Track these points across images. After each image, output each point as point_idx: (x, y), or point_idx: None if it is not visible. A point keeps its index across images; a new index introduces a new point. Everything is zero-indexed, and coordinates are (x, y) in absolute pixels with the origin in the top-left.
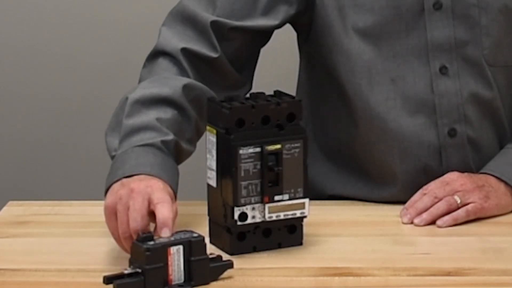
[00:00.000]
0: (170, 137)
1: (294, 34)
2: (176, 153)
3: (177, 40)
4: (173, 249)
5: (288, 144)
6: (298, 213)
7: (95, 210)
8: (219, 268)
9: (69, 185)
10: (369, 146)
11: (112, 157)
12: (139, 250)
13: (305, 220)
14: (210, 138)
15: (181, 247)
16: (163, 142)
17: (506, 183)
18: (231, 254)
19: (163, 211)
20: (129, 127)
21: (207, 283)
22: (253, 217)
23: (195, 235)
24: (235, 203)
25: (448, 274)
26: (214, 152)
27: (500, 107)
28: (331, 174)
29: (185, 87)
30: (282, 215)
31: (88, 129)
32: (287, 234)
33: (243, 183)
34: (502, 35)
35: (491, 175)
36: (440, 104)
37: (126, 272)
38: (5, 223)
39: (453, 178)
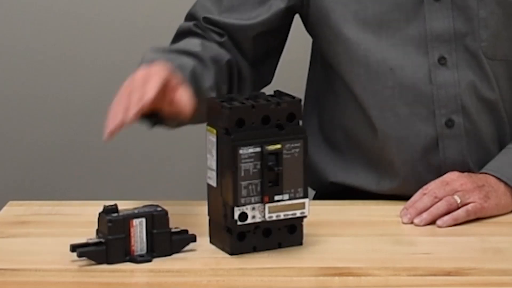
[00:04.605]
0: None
1: (296, 33)
2: (195, 84)
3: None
4: (135, 221)
5: (288, 144)
6: (298, 213)
7: (95, 210)
8: (181, 241)
9: (69, 185)
10: (370, 135)
11: None
12: (103, 221)
13: (305, 220)
14: (210, 138)
15: (143, 219)
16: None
17: (506, 183)
18: (231, 254)
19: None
20: (161, 48)
21: (169, 254)
22: (253, 217)
23: (158, 209)
24: (235, 203)
25: (448, 274)
26: (214, 152)
27: (499, 100)
28: (335, 162)
29: (204, 44)
30: (282, 215)
31: (89, 129)
32: (287, 234)
33: (243, 183)
34: (501, 28)
35: (492, 175)
36: (438, 94)
37: (90, 241)
38: (5, 223)
39: (453, 178)
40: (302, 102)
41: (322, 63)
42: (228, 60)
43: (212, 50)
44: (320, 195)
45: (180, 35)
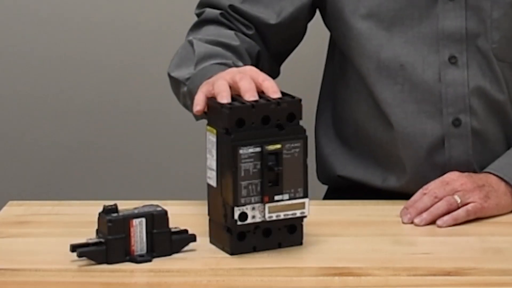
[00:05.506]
0: (240, 64)
1: (311, 29)
2: None
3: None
4: (135, 221)
5: (288, 144)
6: (298, 213)
7: (95, 210)
8: (181, 241)
9: (69, 185)
10: (379, 130)
11: (187, 79)
12: (103, 221)
13: (305, 220)
14: (210, 138)
15: (143, 219)
16: (235, 64)
17: (506, 182)
18: (231, 254)
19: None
20: (202, 54)
21: (169, 254)
22: (253, 217)
23: (158, 209)
24: (235, 203)
25: (448, 274)
26: (214, 152)
27: (507, 102)
28: (344, 156)
29: (238, 36)
30: (282, 215)
31: (89, 129)
32: (287, 234)
33: (243, 183)
34: None
35: (493, 174)
36: (446, 93)
37: (90, 241)
38: (5, 223)
39: (453, 177)
40: (318, 96)
41: (337, 57)
42: (258, 52)
43: (245, 42)
44: (331, 191)
45: (204, 22)
